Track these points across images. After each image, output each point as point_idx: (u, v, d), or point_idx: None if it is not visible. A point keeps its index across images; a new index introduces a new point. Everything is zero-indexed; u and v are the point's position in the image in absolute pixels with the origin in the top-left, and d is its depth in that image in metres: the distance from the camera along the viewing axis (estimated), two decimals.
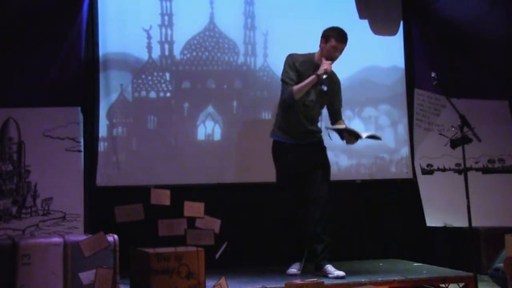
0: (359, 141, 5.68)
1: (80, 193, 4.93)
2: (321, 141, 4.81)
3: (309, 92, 4.62)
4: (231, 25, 5.52)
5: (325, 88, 4.59)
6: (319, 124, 4.82)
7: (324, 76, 4.51)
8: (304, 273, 4.64)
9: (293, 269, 4.67)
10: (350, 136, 4.63)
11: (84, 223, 4.88)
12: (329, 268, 4.57)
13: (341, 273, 4.50)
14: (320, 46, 4.72)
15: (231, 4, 5.55)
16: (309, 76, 4.58)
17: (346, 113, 5.63)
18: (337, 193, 5.26)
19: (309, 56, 4.74)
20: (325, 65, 4.52)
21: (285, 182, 4.72)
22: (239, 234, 5.20)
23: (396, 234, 5.83)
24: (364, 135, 4.63)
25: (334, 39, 4.61)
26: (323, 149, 4.82)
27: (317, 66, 4.61)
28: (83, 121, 5.04)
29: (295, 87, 4.57)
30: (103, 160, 5.16)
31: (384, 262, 5.40)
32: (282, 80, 4.69)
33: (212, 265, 4.12)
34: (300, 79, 4.61)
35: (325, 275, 4.53)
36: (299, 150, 4.68)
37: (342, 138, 4.71)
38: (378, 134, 4.76)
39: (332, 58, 4.60)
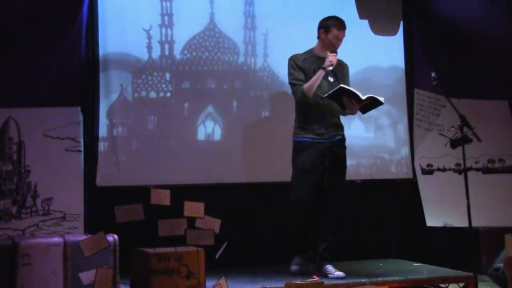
0: (359, 141, 5.71)
1: (80, 193, 4.93)
2: (343, 141, 4.72)
3: (321, 85, 4.59)
4: (231, 25, 5.52)
5: (331, 80, 4.61)
6: (340, 120, 4.76)
7: (330, 68, 4.52)
8: (304, 273, 4.64)
9: (296, 266, 4.68)
10: (350, 100, 4.45)
11: (84, 223, 4.88)
12: (330, 268, 4.57)
13: (341, 273, 4.50)
14: (319, 37, 4.72)
15: (231, 4, 5.55)
16: (314, 70, 4.58)
17: None
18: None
19: (309, 52, 4.75)
20: (330, 57, 4.53)
21: (302, 179, 4.58)
22: (239, 234, 5.20)
23: (396, 234, 5.83)
24: (364, 96, 4.44)
25: (335, 28, 4.64)
26: (344, 150, 4.72)
27: (319, 59, 4.62)
28: (83, 121, 5.04)
29: (305, 85, 4.56)
30: (103, 160, 5.15)
31: (384, 262, 5.40)
32: (290, 83, 4.68)
33: (212, 265, 4.12)
34: (306, 76, 4.61)
35: (325, 275, 4.53)
36: (319, 147, 4.59)
37: (343, 107, 4.56)
38: (380, 98, 4.51)
39: (335, 48, 4.61)
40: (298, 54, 4.73)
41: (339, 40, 4.63)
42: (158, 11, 5.36)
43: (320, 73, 4.53)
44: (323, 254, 4.64)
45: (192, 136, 5.39)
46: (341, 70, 4.74)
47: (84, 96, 5.13)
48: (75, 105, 5.02)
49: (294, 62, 4.67)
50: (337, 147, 4.66)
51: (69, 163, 4.92)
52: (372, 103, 4.56)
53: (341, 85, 4.45)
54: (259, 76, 5.57)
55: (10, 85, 4.90)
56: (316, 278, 4.44)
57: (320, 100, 4.59)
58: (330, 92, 4.49)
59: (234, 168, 5.44)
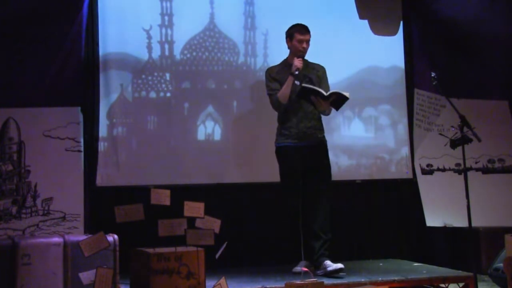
0: (359, 141, 5.72)
1: (80, 193, 4.93)
2: (323, 141, 4.85)
3: (296, 91, 4.70)
4: (231, 25, 5.52)
5: (297, 83, 4.71)
6: (320, 122, 4.85)
7: (297, 73, 4.66)
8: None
9: (298, 268, 4.70)
10: (317, 98, 4.58)
11: (84, 223, 4.88)
12: (328, 262, 4.59)
13: (340, 265, 4.52)
14: (288, 47, 4.87)
15: (231, 4, 5.55)
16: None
17: (346, 113, 5.64)
18: (337, 193, 5.25)
19: (283, 62, 4.91)
20: (295, 61, 4.70)
21: (288, 184, 4.77)
22: (239, 234, 5.20)
23: (396, 234, 5.83)
24: (326, 93, 4.57)
25: (297, 33, 4.80)
26: (325, 150, 4.85)
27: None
28: (83, 121, 5.04)
29: (279, 94, 4.73)
30: (103, 160, 5.16)
31: (384, 262, 5.40)
32: (268, 95, 4.85)
33: (212, 265, 4.12)
34: (281, 86, 4.75)
35: (325, 270, 4.54)
36: (300, 151, 4.74)
37: (314, 105, 4.68)
38: (344, 93, 4.60)
39: (303, 53, 4.76)
40: (273, 66, 4.93)
41: (302, 43, 4.77)
42: (158, 11, 5.36)
43: (289, 80, 4.69)
44: (320, 251, 4.66)
45: (192, 136, 5.39)
46: (315, 73, 4.86)
47: (84, 96, 5.13)
48: (75, 105, 5.02)
49: (269, 74, 4.85)
50: (316, 149, 4.79)
51: (69, 163, 4.92)
52: (340, 98, 4.63)
53: (303, 85, 4.60)
54: (259, 76, 5.56)
55: (10, 85, 4.90)
56: (305, 270, 4.46)
57: (297, 104, 4.73)
58: (296, 94, 4.64)
59: (234, 168, 5.44)
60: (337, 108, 4.77)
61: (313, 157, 4.76)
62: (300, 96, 4.63)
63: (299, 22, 4.87)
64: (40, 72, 4.95)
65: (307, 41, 4.78)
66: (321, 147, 4.84)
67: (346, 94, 4.61)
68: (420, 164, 5.83)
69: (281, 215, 5.09)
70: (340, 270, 4.50)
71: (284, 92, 4.71)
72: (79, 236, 4.08)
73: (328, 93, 4.59)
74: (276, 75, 4.82)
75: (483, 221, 5.44)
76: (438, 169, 5.82)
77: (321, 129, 4.87)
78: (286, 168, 4.80)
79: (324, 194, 4.74)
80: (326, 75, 4.93)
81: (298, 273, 4.59)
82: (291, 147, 4.76)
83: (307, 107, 4.75)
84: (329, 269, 4.53)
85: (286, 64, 4.86)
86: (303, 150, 4.75)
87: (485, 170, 5.84)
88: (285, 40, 4.87)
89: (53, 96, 4.97)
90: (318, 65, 4.94)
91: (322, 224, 4.69)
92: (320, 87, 4.74)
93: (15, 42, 4.90)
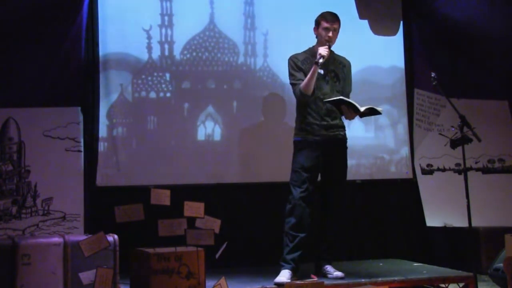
0: (359, 141, 5.71)
1: (80, 193, 4.93)
2: (344, 140, 4.67)
3: (320, 86, 4.55)
4: (231, 25, 5.52)
5: (322, 72, 4.51)
6: (342, 119, 4.68)
7: (321, 61, 4.41)
8: (304, 273, 4.63)
9: (281, 279, 4.38)
10: (349, 109, 4.43)
11: (84, 223, 4.88)
12: (329, 268, 4.57)
13: (340, 273, 4.50)
14: (315, 35, 4.67)
15: (231, 4, 5.54)
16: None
17: None
18: None
19: (309, 51, 4.69)
20: (320, 49, 4.45)
21: (298, 177, 4.52)
22: (239, 234, 5.20)
23: (396, 234, 5.83)
24: (362, 108, 4.40)
25: (323, 20, 4.59)
26: (345, 150, 4.68)
27: None
28: (83, 121, 5.04)
29: (302, 84, 4.49)
30: (103, 160, 5.16)
31: (384, 262, 5.40)
32: (291, 84, 4.64)
33: (212, 265, 4.12)
34: (306, 76, 4.52)
35: (325, 275, 4.53)
36: (319, 146, 4.53)
37: (341, 112, 4.53)
38: (378, 108, 4.48)
39: (329, 41, 4.54)
40: (298, 54, 4.67)
41: (328, 31, 4.54)
42: (158, 11, 5.36)
43: (314, 69, 4.43)
44: (323, 255, 4.64)
45: (192, 136, 5.39)
46: (342, 69, 4.68)
47: (84, 96, 5.13)
48: (75, 105, 5.02)
49: (294, 63, 4.61)
50: (336, 148, 4.61)
51: (69, 163, 4.93)
52: (371, 112, 4.52)
53: (341, 97, 4.41)
54: (259, 76, 5.57)
55: (10, 85, 4.90)
56: (314, 278, 4.44)
57: (320, 101, 4.54)
58: (329, 100, 4.45)
59: (234, 168, 5.44)
60: (362, 117, 4.63)
61: (330, 157, 4.56)
62: (331, 102, 4.44)
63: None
64: (40, 72, 4.95)
65: (334, 30, 4.56)
66: (341, 147, 4.65)
67: (380, 109, 4.48)
68: (420, 164, 5.83)
69: (281, 215, 5.08)
70: (341, 279, 4.45)
71: (308, 83, 4.44)
72: (79, 236, 4.09)
73: (363, 108, 4.38)
74: (301, 64, 4.59)
75: (483, 221, 5.44)
76: (438, 169, 5.82)
77: (343, 126, 4.68)
78: (299, 163, 4.53)
79: (337, 197, 4.64)
80: (351, 71, 4.75)
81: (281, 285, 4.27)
82: (309, 143, 4.53)
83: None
84: (329, 276, 4.50)
85: (312, 53, 4.61)
86: (322, 147, 4.53)
87: (485, 170, 5.84)
88: (312, 29, 4.67)
89: (53, 96, 4.97)
90: (345, 58, 4.74)
91: (331, 227, 4.64)
92: (344, 83, 4.61)
93: (15, 42, 4.90)
